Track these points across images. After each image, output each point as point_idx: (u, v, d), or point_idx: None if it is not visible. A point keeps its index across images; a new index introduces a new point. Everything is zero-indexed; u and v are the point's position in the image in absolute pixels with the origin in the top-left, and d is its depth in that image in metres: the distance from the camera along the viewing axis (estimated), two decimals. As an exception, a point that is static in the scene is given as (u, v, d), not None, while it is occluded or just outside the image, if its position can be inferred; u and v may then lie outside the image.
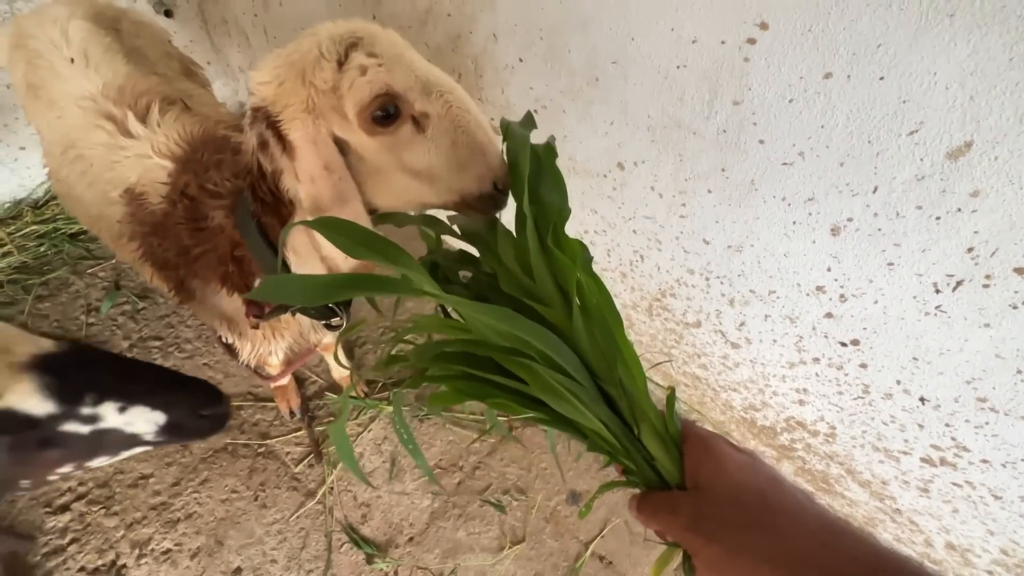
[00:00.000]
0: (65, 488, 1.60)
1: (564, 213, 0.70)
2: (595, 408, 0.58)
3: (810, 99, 0.93)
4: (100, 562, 1.49)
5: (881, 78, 0.83)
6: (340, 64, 0.69)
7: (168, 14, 2.32)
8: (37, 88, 1.06)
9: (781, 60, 0.92)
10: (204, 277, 0.99)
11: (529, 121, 0.81)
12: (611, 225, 1.51)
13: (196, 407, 0.73)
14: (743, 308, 1.36)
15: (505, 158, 0.74)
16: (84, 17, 1.08)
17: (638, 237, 1.47)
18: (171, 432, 0.70)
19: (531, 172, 0.72)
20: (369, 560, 1.54)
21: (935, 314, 1.02)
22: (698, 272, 1.39)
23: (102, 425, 0.62)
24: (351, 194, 0.76)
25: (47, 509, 1.56)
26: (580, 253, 0.66)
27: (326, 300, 0.62)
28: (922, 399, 1.15)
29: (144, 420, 0.66)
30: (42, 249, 2.21)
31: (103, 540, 1.52)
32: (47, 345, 0.58)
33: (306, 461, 1.69)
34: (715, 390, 1.68)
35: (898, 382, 1.17)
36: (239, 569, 1.50)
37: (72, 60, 1.03)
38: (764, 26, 0.90)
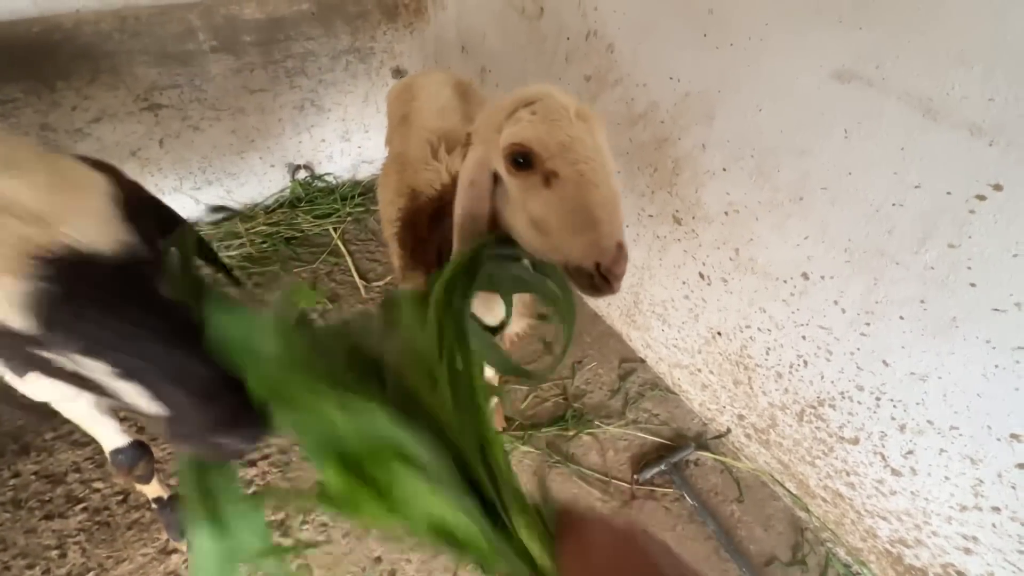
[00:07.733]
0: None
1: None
2: (464, 503, 0.56)
3: (1038, 258, 0.99)
4: (272, 517, 1.75)
5: (1125, 255, 0.89)
6: (511, 115, 0.87)
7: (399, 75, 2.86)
8: (408, 117, 1.58)
9: (1012, 219, 1.00)
10: (422, 262, 1.24)
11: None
12: (778, 326, 1.59)
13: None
14: (915, 437, 1.35)
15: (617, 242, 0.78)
16: (451, 86, 1.65)
17: (807, 343, 1.53)
18: None
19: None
20: (488, 585, 1.65)
21: None
22: (868, 390, 1.42)
23: None
24: (480, 212, 0.92)
25: (239, 460, 1.88)
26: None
27: None
28: None
29: None
30: (264, 246, 2.72)
31: (276, 499, 1.79)
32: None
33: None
34: (859, 513, 1.63)
35: (1099, 556, 1.11)
36: (379, 559, 1.68)
37: (437, 108, 1.57)
38: (998, 187, 1.00)
